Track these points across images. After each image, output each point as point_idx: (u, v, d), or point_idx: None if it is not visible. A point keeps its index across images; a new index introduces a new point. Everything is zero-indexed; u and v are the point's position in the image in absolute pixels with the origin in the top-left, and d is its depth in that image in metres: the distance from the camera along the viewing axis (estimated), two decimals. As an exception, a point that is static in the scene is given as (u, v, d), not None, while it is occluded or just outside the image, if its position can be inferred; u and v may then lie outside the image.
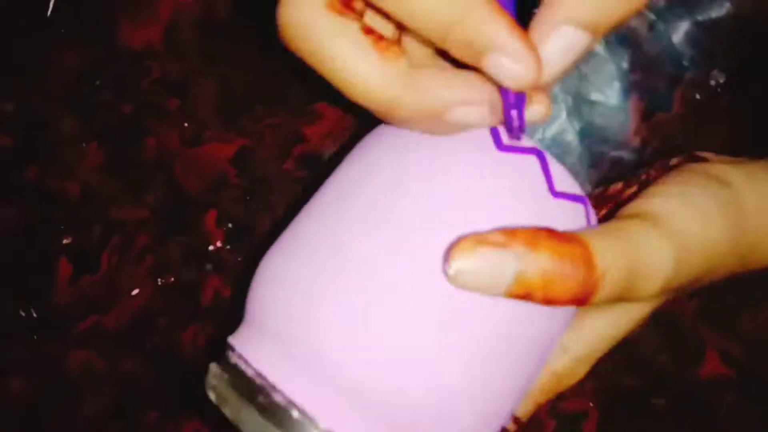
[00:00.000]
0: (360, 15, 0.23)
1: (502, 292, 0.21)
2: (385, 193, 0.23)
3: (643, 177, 0.30)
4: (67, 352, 0.46)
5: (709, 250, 0.26)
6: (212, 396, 0.24)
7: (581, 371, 0.30)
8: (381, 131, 0.26)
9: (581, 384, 0.43)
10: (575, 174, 0.35)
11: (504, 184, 0.23)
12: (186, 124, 0.46)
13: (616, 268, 0.23)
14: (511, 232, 0.22)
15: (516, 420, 0.30)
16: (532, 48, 0.21)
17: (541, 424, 0.45)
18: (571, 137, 0.45)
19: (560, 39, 0.21)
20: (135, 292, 0.46)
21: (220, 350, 0.25)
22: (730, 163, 0.30)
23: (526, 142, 0.24)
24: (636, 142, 0.45)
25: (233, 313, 0.46)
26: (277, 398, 0.22)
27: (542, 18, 0.22)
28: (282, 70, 0.46)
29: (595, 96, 0.45)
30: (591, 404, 0.44)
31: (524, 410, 0.29)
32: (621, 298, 0.24)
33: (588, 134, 0.45)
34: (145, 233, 0.46)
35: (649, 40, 0.44)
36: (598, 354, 0.30)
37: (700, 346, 0.44)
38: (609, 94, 0.45)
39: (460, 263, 0.21)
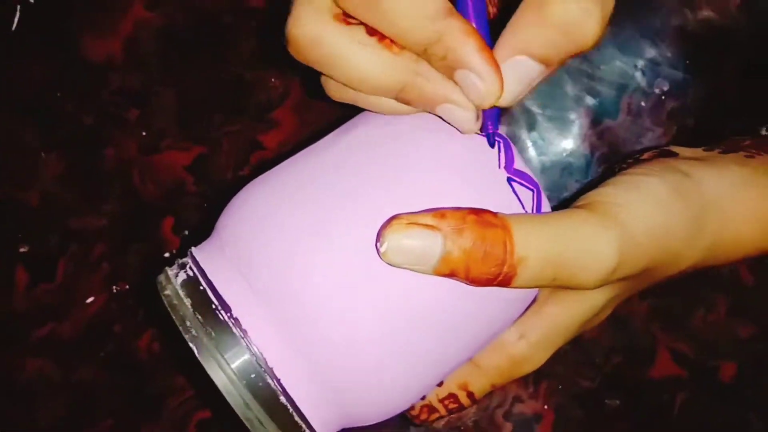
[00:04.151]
0: (360, 23, 0.25)
1: (429, 270, 0.23)
2: (378, 157, 0.25)
3: (617, 170, 0.31)
4: (22, 360, 0.46)
5: (661, 239, 0.27)
6: (163, 298, 0.26)
7: (539, 359, 0.30)
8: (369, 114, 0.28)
9: (536, 386, 0.44)
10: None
11: (466, 159, 0.26)
12: (144, 133, 0.47)
13: (537, 254, 0.24)
14: (440, 214, 0.24)
15: (470, 395, 0.31)
16: (497, 70, 0.24)
17: (497, 427, 0.45)
18: (525, 144, 0.46)
19: (515, 67, 0.24)
20: (90, 300, 0.46)
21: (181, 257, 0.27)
22: (698, 157, 0.31)
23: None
24: (584, 148, 0.46)
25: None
26: (221, 315, 0.24)
27: (500, 46, 0.24)
28: (240, 80, 0.47)
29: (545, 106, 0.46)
30: (545, 406, 0.44)
31: (480, 388, 0.31)
32: (556, 284, 0.25)
33: (538, 141, 0.46)
34: (103, 242, 0.47)
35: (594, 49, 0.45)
36: (557, 343, 0.30)
37: (652, 346, 0.45)
38: (557, 102, 0.46)
39: (391, 242, 0.23)
